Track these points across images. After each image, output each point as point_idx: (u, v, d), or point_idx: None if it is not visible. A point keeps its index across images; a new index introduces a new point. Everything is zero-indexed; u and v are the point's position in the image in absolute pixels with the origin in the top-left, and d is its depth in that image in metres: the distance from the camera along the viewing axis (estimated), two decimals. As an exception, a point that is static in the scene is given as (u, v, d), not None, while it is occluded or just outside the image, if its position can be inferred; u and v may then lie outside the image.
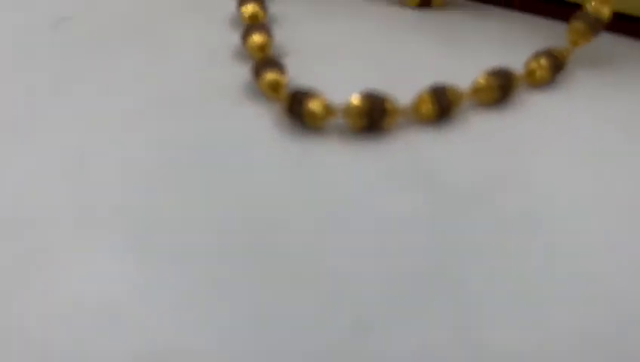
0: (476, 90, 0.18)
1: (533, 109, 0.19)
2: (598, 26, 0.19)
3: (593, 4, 0.19)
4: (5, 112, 0.19)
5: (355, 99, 0.17)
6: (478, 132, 0.18)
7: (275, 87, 0.18)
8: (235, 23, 0.22)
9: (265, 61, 0.19)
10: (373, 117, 0.17)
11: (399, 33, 0.21)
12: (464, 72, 0.20)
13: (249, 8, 0.21)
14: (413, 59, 0.20)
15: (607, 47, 0.21)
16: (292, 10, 0.22)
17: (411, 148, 0.18)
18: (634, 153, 0.18)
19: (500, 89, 0.18)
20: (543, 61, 0.19)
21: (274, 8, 0.22)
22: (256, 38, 0.20)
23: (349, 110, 0.18)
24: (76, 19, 0.22)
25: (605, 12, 0.19)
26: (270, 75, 0.18)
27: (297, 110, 0.18)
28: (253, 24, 0.20)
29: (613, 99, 0.19)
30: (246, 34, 0.20)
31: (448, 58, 0.20)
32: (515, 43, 0.21)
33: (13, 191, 0.17)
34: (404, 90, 0.19)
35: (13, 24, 0.21)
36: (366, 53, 0.21)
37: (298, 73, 0.20)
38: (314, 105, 0.17)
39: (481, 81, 0.19)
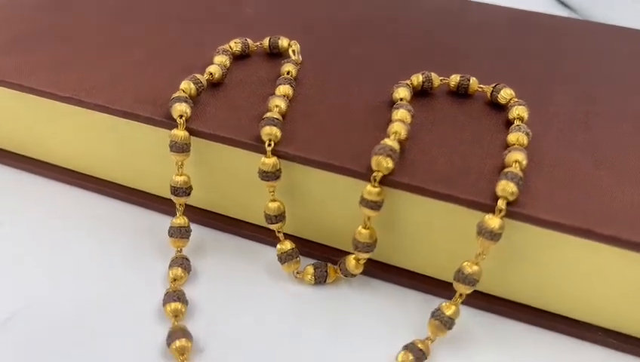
0: (357, 388, 0.23)
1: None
2: (451, 323, 0.24)
3: (446, 304, 0.24)
4: None
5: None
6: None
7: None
8: (160, 314, 0.26)
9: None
10: None
11: (297, 318, 0.26)
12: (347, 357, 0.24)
13: (172, 306, 0.25)
14: (309, 351, 0.25)
15: (463, 327, 0.26)
16: (207, 295, 0.27)
17: None
18: None
19: (376, 385, 0.23)
20: (411, 355, 0.24)
21: (192, 293, 0.27)
22: (178, 344, 0.24)
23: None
24: (19, 317, 0.26)
25: (455, 313, 0.24)
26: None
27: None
28: (175, 330, 0.24)
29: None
30: (170, 340, 0.24)
31: (338, 346, 0.25)
32: (392, 318, 0.26)
33: None
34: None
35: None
36: (270, 346, 0.25)
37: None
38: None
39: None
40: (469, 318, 0.26)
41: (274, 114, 0.26)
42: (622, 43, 0.35)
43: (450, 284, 0.25)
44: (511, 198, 0.23)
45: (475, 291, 0.27)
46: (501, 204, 0.23)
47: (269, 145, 0.26)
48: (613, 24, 0.37)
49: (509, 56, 0.33)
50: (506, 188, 0.23)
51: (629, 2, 0.43)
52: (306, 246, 0.29)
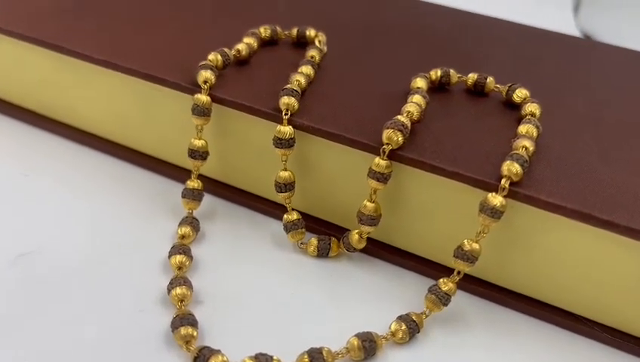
0: (348, 350, 0.23)
1: (394, 366, 0.24)
2: (447, 299, 0.25)
3: (443, 280, 0.25)
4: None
5: (249, 360, 0.22)
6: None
7: (187, 340, 0.23)
8: (165, 267, 0.27)
9: (181, 317, 0.23)
10: (263, 374, 0.22)
11: (297, 283, 0.27)
12: (343, 327, 0.25)
13: (177, 259, 0.26)
14: (305, 314, 0.25)
15: (459, 310, 0.26)
16: (212, 254, 0.28)
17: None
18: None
19: (367, 350, 0.23)
20: (404, 325, 0.24)
21: (198, 251, 0.28)
22: (179, 291, 0.25)
23: (243, 368, 0.22)
24: (33, 256, 0.27)
25: (452, 290, 0.25)
26: (184, 330, 0.23)
27: (202, 365, 0.22)
28: (177, 278, 0.25)
29: (459, 357, 0.24)
30: (171, 286, 0.25)
31: (333, 312, 0.25)
32: (389, 295, 0.27)
33: None
34: (292, 345, 0.23)
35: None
36: (267, 306, 0.25)
37: (210, 320, 0.25)
38: (215, 363, 0.22)
39: (353, 342, 0.24)
40: (466, 303, 0.26)
41: (293, 86, 0.27)
42: (638, 64, 0.35)
43: (451, 270, 0.26)
44: (515, 179, 0.24)
45: (474, 278, 0.27)
46: (504, 183, 0.24)
47: (286, 114, 0.27)
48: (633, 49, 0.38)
49: (528, 66, 0.34)
50: (511, 168, 0.24)
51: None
52: (311, 222, 0.29)
